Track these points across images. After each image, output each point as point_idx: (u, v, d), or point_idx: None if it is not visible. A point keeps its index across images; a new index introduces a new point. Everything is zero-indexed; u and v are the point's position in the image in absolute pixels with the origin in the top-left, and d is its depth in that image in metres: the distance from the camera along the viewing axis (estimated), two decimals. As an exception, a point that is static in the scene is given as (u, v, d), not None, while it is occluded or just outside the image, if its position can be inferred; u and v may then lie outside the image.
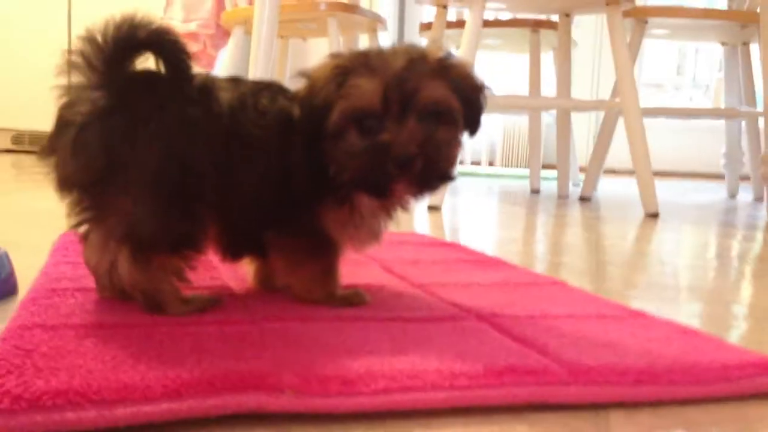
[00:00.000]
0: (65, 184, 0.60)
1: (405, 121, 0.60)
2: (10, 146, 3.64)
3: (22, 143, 3.60)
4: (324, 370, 0.48)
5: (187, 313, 0.61)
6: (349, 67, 0.62)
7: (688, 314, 0.81)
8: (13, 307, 0.67)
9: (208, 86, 0.64)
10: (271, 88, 0.67)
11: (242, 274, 0.76)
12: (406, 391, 0.46)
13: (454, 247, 1.10)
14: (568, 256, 1.19)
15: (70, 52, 0.60)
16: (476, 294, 0.75)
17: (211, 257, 0.84)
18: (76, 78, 0.60)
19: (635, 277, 1.03)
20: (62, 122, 0.60)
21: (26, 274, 0.76)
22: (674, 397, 0.51)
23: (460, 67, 0.65)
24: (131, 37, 0.60)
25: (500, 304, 0.70)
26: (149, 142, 0.59)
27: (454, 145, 0.64)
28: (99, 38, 0.59)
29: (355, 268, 0.86)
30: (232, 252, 0.68)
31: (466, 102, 0.64)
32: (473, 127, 0.66)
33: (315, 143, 0.63)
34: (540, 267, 1.06)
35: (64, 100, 0.61)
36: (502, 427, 0.46)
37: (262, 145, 0.64)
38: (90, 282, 0.67)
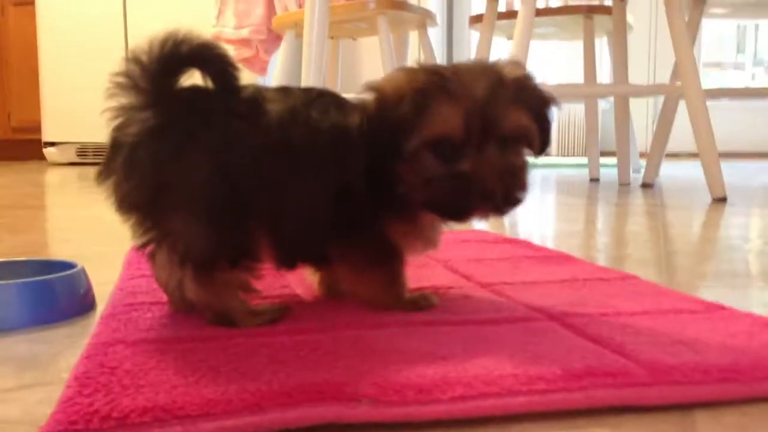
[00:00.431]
0: (122, 205, 0.62)
1: (485, 149, 0.60)
2: (75, 159, 3.78)
3: (86, 156, 3.73)
4: (399, 378, 0.48)
5: (259, 325, 0.62)
6: (428, 90, 0.61)
7: (763, 303, 0.78)
8: (93, 322, 0.69)
9: (257, 99, 0.64)
10: (322, 99, 0.66)
11: (311, 281, 0.77)
12: (483, 398, 0.46)
13: (518, 242, 1.09)
14: (632, 248, 1.16)
15: (116, 73, 0.61)
16: (545, 292, 0.74)
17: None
18: (125, 99, 0.61)
19: (705, 267, 1.00)
20: (115, 144, 0.61)
21: (102, 290, 0.78)
22: (760, 395, 0.49)
23: (535, 88, 0.65)
24: (175, 55, 0.60)
25: (570, 303, 0.69)
26: (196, 159, 0.60)
27: (528, 168, 0.64)
28: (144, 58, 0.60)
29: (420, 270, 0.86)
30: (287, 263, 0.68)
31: (540, 121, 0.64)
32: (545, 143, 0.66)
33: (382, 161, 0.63)
34: (604, 260, 1.04)
35: (115, 121, 0.62)
36: (583, 431, 0.45)
37: (314, 160, 0.63)
38: (163, 296, 0.69)
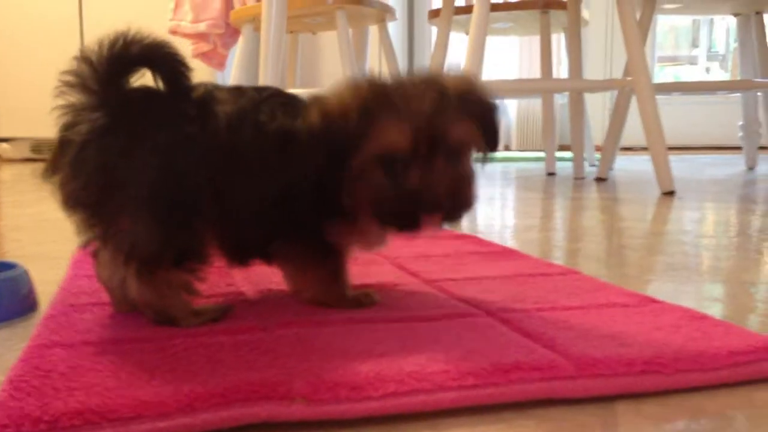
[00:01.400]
0: (68, 203, 0.62)
1: (433, 162, 0.61)
2: (29, 155, 3.70)
3: (41, 152, 3.66)
4: (333, 375, 0.49)
5: (200, 324, 0.63)
6: (373, 105, 0.61)
7: (706, 297, 0.81)
8: (33, 323, 0.69)
9: (207, 101, 0.64)
10: (272, 101, 0.67)
11: (256, 278, 0.77)
12: (414, 394, 0.47)
13: (467, 238, 1.11)
14: (584, 242, 1.19)
15: (66, 73, 0.61)
16: (487, 288, 0.76)
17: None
18: (75, 98, 0.62)
19: (652, 261, 1.03)
20: (63, 142, 0.61)
21: (46, 289, 0.78)
22: (681, 386, 0.51)
23: (480, 98, 0.66)
24: (125, 55, 0.61)
25: (510, 298, 0.71)
26: (145, 161, 0.60)
27: (475, 178, 0.65)
28: (93, 57, 0.61)
29: (367, 266, 0.87)
30: (236, 261, 0.69)
31: (487, 128, 0.65)
32: (492, 147, 0.67)
33: (328, 173, 0.63)
34: (557, 254, 1.06)
35: (64, 120, 0.62)
36: (510, 424, 0.46)
37: (259, 162, 0.65)
38: (106, 296, 0.69)
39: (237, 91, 0.68)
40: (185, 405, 0.45)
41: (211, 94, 0.65)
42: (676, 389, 0.51)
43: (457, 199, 0.62)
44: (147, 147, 0.60)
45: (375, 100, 0.62)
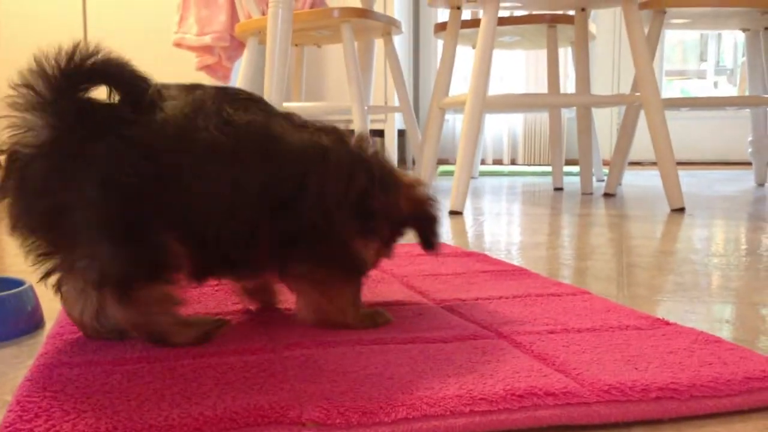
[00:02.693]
0: (14, 228, 0.57)
1: None
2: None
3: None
4: (344, 400, 0.48)
5: (193, 338, 0.61)
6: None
7: (717, 319, 0.80)
8: (40, 341, 0.68)
9: (153, 100, 0.59)
10: (238, 97, 0.63)
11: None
12: (426, 419, 0.47)
13: (475, 256, 1.10)
14: (593, 260, 1.18)
15: (16, 84, 0.57)
16: (497, 308, 0.75)
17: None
18: (26, 110, 0.57)
19: (662, 280, 1.02)
20: (12, 157, 0.56)
21: (51, 306, 0.77)
22: (696, 412, 0.50)
23: (417, 194, 0.73)
24: (81, 68, 0.56)
25: (521, 319, 0.70)
26: (85, 177, 0.56)
27: None
28: (48, 69, 0.56)
29: (377, 285, 0.87)
30: (201, 275, 0.64)
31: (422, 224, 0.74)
32: (433, 240, 0.75)
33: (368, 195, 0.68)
34: (565, 273, 1.05)
35: (13, 134, 0.57)
36: (524, 451, 0.46)
37: (229, 154, 0.60)
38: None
39: (191, 87, 0.63)
40: (194, 429, 0.44)
41: (159, 92, 0.60)
42: (691, 416, 0.50)
43: None
44: (85, 161, 0.56)
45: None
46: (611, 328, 0.67)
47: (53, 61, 0.56)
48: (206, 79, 2.98)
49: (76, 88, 0.57)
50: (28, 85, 0.56)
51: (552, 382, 0.52)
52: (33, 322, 0.73)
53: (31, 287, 0.74)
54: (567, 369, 0.55)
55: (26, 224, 0.57)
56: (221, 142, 0.60)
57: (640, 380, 0.52)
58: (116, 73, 0.58)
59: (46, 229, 0.57)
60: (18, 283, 0.75)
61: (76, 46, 0.56)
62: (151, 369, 0.55)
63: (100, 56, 0.57)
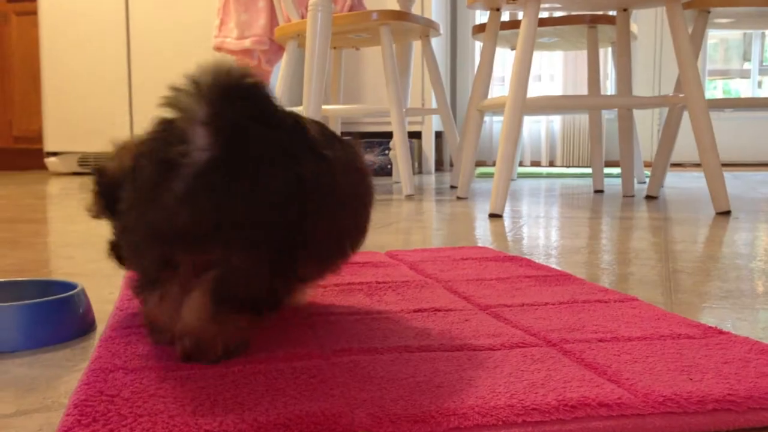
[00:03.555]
0: (167, 236, 0.56)
1: None
2: (76, 169, 3.79)
3: (88, 165, 3.75)
4: (395, 408, 0.48)
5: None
6: None
7: (763, 326, 0.78)
8: (92, 344, 0.70)
9: (313, 141, 0.62)
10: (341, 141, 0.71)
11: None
12: (478, 429, 0.46)
13: (518, 260, 1.09)
14: (636, 266, 1.16)
15: (173, 89, 0.56)
16: (544, 315, 0.74)
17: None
18: (181, 119, 0.56)
19: (709, 286, 1.00)
20: (165, 164, 0.55)
21: (102, 308, 0.79)
22: (753, 425, 0.49)
23: None
24: (231, 85, 0.56)
25: (569, 327, 0.69)
26: (265, 200, 0.57)
27: None
28: (200, 85, 0.55)
29: (419, 291, 0.86)
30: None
31: None
32: None
33: None
34: (607, 279, 1.04)
35: (163, 136, 0.57)
36: (578, 463, 0.45)
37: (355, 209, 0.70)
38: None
39: (329, 135, 0.69)
40: (248, 436, 0.44)
41: (312, 137, 0.63)
42: (749, 428, 0.49)
43: None
44: (266, 186, 0.56)
45: None
46: (662, 337, 0.66)
47: (203, 77, 0.55)
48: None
49: (232, 106, 0.56)
50: (181, 98, 0.56)
51: (605, 393, 0.51)
52: (85, 324, 0.74)
53: (82, 291, 0.76)
54: (620, 379, 0.54)
55: (188, 233, 0.56)
56: (356, 196, 0.70)
57: (695, 392, 0.51)
58: (263, 96, 0.58)
59: (208, 237, 0.56)
60: (70, 286, 0.77)
61: (220, 64, 0.56)
62: (202, 374, 0.56)
63: (246, 73, 0.57)
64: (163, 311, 0.62)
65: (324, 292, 0.85)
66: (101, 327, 0.75)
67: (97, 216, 0.71)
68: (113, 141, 0.71)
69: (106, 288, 0.90)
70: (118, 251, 0.73)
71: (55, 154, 3.83)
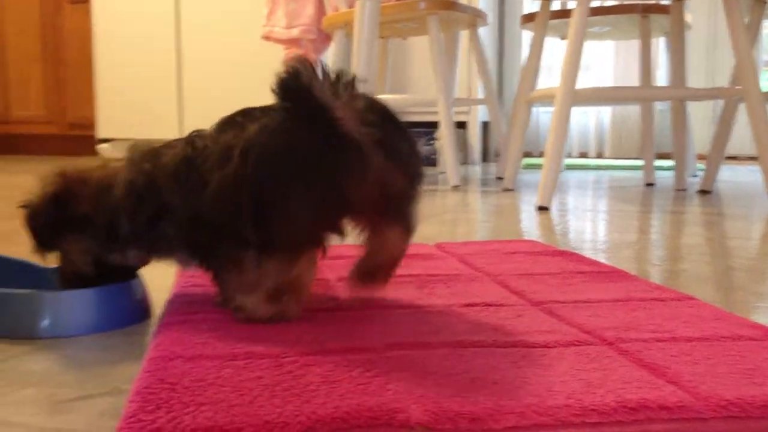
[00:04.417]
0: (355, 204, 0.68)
1: None
2: (129, 155, 3.87)
3: (141, 151, 3.82)
4: (451, 404, 0.48)
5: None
6: None
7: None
8: (149, 330, 0.71)
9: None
10: None
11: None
12: (536, 429, 0.46)
13: (569, 255, 1.08)
14: (689, 262, 1.14)
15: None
16: (598, 312, 0.73)
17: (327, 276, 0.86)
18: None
19: (765, 285, 0.97)
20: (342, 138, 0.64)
21: (157, 296, 0.80)
22: (823, 433, 0.48)
23: None
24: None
25: (625, 325, 0.68)
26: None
27: None
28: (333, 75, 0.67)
29: (469, 284, 0.86)
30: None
31: None
32: None
33: None
34: (658, 275, 1.02)
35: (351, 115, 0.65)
36: (637, 466, 0.45)
37: None
38: (213, 308, 0.71)
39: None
40: (307, 428, 0.45)
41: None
42: (818, 437, 0.48)
43: None
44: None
45: None
46: (723, 338, 0.64)
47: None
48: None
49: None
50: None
51: (665, 395, 0.50)
52: (141, 311, 0.76)
53: (140, 278, 0.77)
54: (680, 381, 0.53)
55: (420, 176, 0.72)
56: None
57: (759, 396, 0.50)
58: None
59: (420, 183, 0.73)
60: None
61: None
62: (259, 365, 0.56)
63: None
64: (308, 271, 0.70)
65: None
66: (157, 313, 0.76)
67: (45, 251, 0.76)
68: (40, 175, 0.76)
69: (160, 277, 0.91)
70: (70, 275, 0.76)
71: (106, 140, 3.92)
